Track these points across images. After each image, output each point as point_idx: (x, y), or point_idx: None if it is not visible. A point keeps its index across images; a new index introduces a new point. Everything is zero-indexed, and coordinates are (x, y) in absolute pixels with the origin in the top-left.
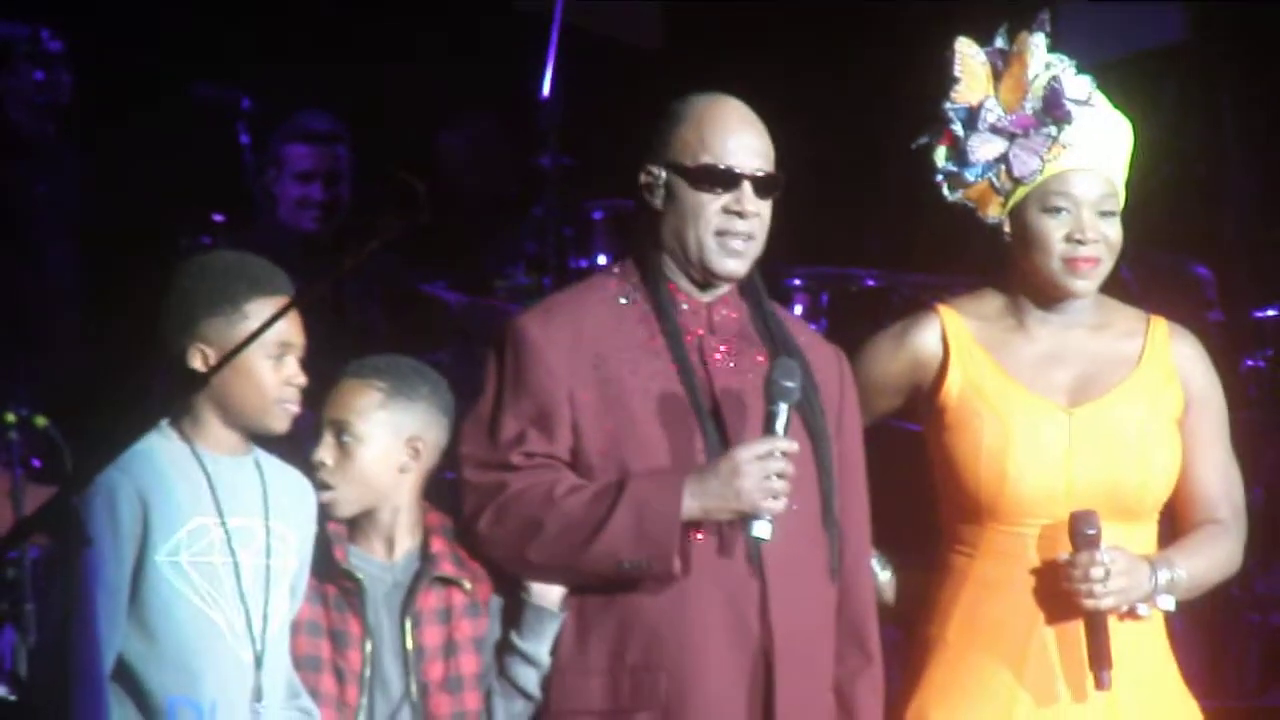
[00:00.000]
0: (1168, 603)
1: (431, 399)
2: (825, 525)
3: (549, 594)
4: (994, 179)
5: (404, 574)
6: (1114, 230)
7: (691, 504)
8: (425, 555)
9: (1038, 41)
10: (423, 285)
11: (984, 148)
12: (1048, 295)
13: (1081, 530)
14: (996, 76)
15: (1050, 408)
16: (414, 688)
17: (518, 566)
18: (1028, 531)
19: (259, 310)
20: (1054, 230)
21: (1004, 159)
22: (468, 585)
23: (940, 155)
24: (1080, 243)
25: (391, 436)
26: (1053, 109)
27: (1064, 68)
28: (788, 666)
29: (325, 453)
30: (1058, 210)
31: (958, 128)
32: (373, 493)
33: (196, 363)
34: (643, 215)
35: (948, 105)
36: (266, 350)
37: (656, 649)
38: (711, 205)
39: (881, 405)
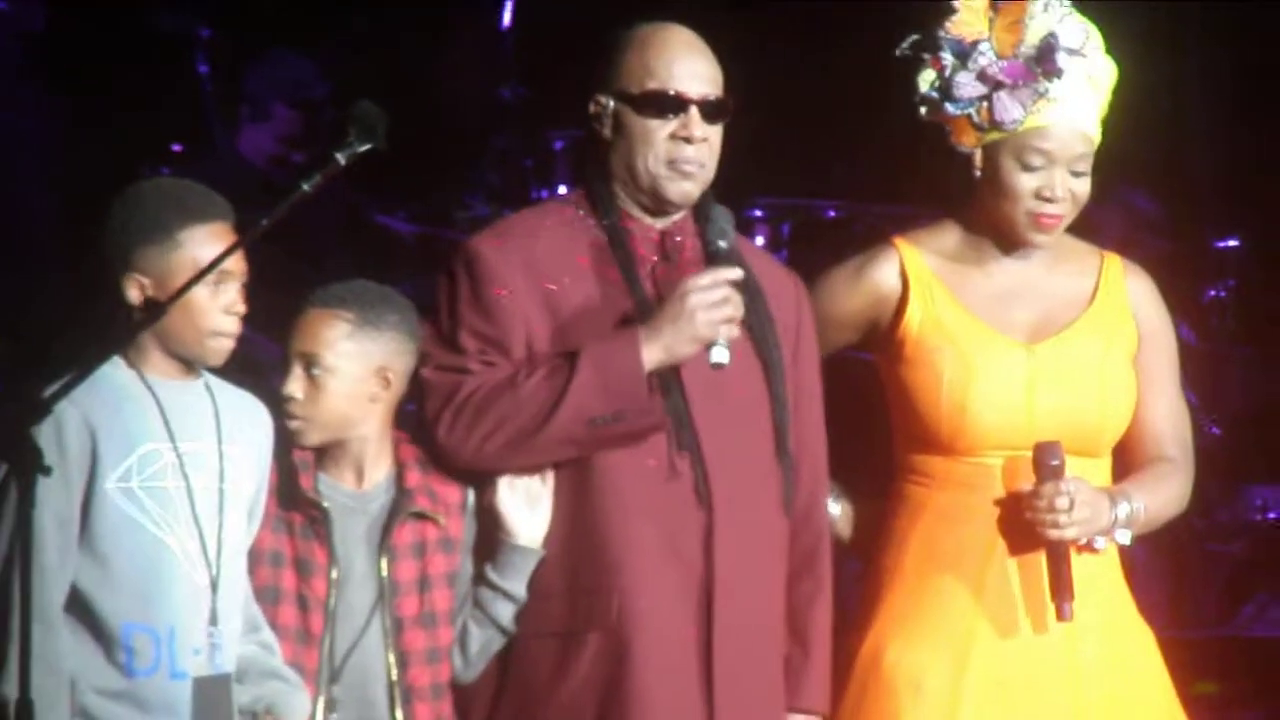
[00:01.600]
0: (1125, 536)
1: (400, 326)
2: (778, 457)
3: (532, 533)
4: (973, 115)
5: (375, 504)
6: (1083, 188)
7: (651, 348)
8: (401, 489)
9: None
10: (381, 216)
11: (970, 86)
12: (1007, 238)
13: (1046, 461)
14: (994, 9)
15: (1010, 344)
16: (387, 622)
17: (485, 458)
18: (988, 462)
19: (193, 238)
20: (1025, 183)
21: (987, 99)
22: (442, 520)
23: (925, 80)
24: (1049, 200)
25: (362, 367)
26: (1045, 61)
27: (1063, 14)
28: (728, 598)
29: (295, 386)
30: (1032, 166)
31: (948, 58)
32: (343, 423)
33: (133, 292)
34: (593, 145)
35: (941, 34)
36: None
37: (607, 572)
38: (659, 132)
39: (838, 339)
